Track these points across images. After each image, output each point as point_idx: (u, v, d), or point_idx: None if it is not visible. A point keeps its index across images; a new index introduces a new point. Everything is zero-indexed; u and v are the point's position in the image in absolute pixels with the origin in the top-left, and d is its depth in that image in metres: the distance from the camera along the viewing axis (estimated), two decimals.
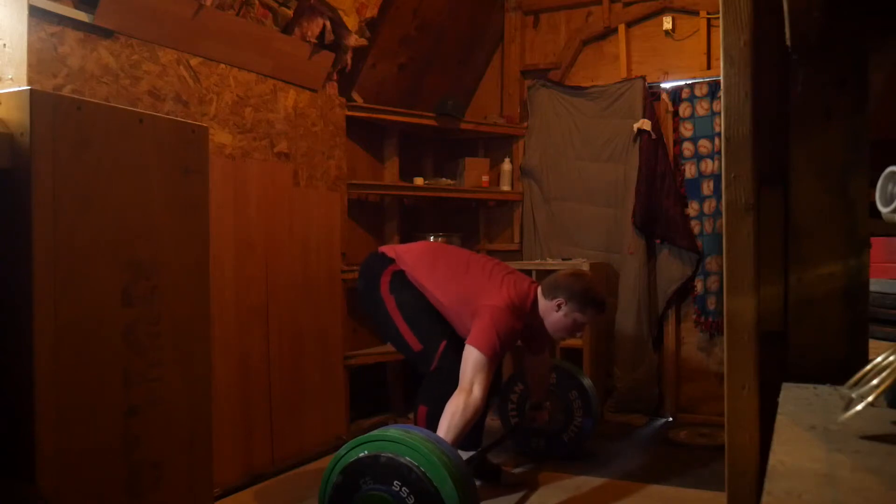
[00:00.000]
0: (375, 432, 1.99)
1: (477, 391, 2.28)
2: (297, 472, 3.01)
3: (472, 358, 2.33)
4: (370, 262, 2.72)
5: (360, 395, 3.61)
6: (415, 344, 2.55)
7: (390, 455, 1.90)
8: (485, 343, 2.35)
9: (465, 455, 2.83)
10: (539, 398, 3.05)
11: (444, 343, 2.50)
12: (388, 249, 2.72)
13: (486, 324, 2.39)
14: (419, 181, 3.95)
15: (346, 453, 1.98)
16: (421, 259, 2.66)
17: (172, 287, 1.62)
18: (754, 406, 1.15)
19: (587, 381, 3.18)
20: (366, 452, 1.93)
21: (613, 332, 3.93)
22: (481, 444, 2.85)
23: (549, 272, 3.71)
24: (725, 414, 1.18)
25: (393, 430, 1.99)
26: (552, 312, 2.57)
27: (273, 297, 2.99)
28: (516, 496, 2.71)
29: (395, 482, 1.88)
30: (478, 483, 2.78)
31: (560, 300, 2.55)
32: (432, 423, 2.40)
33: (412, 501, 1.86)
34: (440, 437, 2.10)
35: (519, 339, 2.66)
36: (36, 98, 1.35)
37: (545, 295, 2.59)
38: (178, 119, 1.76)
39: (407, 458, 1.88)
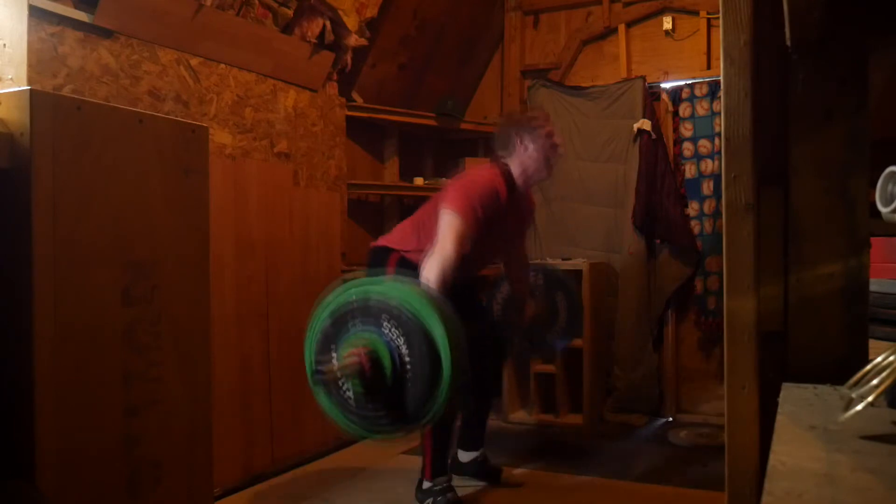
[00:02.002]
0: (363, 279, 1.92)
1: (448, 247, 2.24)
2: (297, 472, 3.01)
3: (445, 220, 2.29)
4: (372, 258, 2.70)
5: None
6: None
7: (379, 298, 1.82)
8: (457, 204, 2.30)
9: (467, 456, 2.83)
10: (521, 296, 2.99)
11: None
12: (383, 240, 2.70)
13: (457, 192, 2.36)
14: (419, 181, 3.95)
15: (334, 299, 1.90)
16: (404, 231, 2.62)
17: (172, 287, 1.62)
18: (754, 406, 1.15)
19: (571, 283, 3.19)
20: (354, 297, 1.85)
21: (613, 332, 3.93)
22: (483, 445, 2.85)
23: (549, 272, 3.72)
24: (725, 414, 1.17)
25: (381, 278, 1.94)
26: (523, 156, 2.53)
27: (273, 297, 2.99)
28: (516, 496, 2.71)
29: (385, 323, 1.79)
30: (478, 483, 2.79)
31: (516, 143, 2.53)
32: (439, 434, 2.44)
33: (402, 341, 1.78)
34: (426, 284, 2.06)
35: (496, 208, 2.51)
36: (36, 98, 1.35)
37: (504, 156, 2.57)
38: (178, 119, 1.76)
39: (395, 300, 1.80)
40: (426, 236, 2.45)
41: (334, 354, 1.80)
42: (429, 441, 2.54)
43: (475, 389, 2.69)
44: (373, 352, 1.74)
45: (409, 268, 2.54)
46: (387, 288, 1.84)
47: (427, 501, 2.53)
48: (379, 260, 2.62)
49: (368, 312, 1.81)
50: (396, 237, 2.63)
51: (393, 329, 1.78)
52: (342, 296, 1.87)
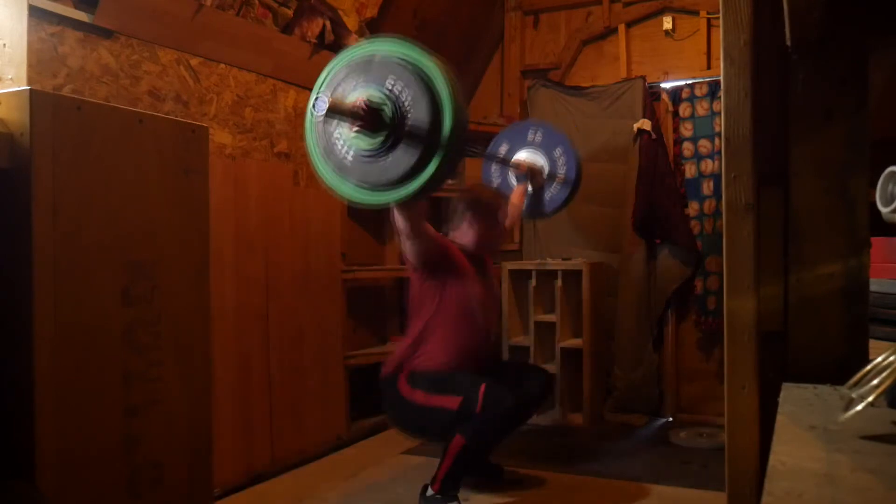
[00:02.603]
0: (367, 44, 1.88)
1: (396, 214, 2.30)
2: (297, 472, 3.01)
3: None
4: (384, 388, 2.67)
5: (360, 395, 3.61)
6: (452, 402, 2.45)
7: (383, 56, 1.79)
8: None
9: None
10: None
11: (483, 385, 2.43)
12: (387, 366, 2.68)
13: None
14: None
15: (338, 61, 1.88)
16: (401, 344, 2.69)
17: (172, 287, 1.62)
18: (754, 406, 1.15)
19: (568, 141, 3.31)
20: (357, 55, 1.83)
21: (613, 332, 3.93)
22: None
23: (550, 272, 3.73)
24: (725, 414, 1.18)
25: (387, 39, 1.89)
26: (468, 232, 2.74)
27: (273, 297, 2.99)
28: (516, 496, 2.71)
29: (388, 80, 1.77)
30: (478, 483, 2.78)
31: (465, 220, 2.74)
32: (464, 457, 2.42)
33: (404, 94, 1.75)
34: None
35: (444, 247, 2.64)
36: (36, 98, 1.35)
37: (454, 229, 2.78)
38: (178, 119, 1.76)
39: (400, 56, 1.78)
40: (416, 314, 2.62)
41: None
42: (453, 457, 2.45)
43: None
44: (369, 100, 1.73)
45: (416, 376, 2.57)
46: (393, 47, 1.81)
47: None
48: (390, 385, 2.62)
49: (370, 71, 1.79)
50: (400, 355, 2.65)
51: (396, 83, 1.76)
52: (345, 57, 1.86)
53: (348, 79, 1.81)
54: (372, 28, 3.44)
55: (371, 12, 3.39)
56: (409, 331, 2.69)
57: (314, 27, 3.15)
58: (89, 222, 1.44)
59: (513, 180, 3.34)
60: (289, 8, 3.00)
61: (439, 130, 1.74)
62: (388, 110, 1.74)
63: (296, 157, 3.19)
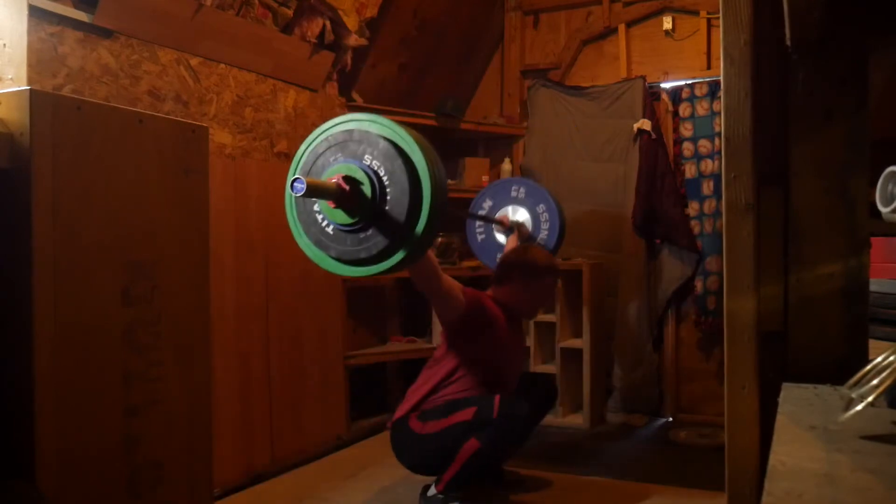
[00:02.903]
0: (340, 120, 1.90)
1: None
2: (297, 472, 3.01)
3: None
4: (395, 432, 2.58)
5: (360, 395, 3.61)
6: (466, 415, 2.41)
7: (360, 132, 1.80)
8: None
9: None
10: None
11: (498, 396, 2.40)
12: (399, 411, 2.60)
13: None
14: None
15: (315, 137, 1.90)
16: (416, 389, 2.60)
17: (172, 287, 1.62)
18: (754, 406, 1.15)
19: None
20: (333, 133, 1.85)
21: (613, 332, 3.93)
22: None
23: None
24: (725, 414, 1.18)
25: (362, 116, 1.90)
26: (520, 295, 2.65)
27: (273, 296, 2.99)
28: (516, 496, 2.71)
29: (366, 155, 1.78)
30: (479, 484, 2.78)
31: (516, 281, 2.64)
32: (475, 462, 2.38)
33: (381, 168, 1.76)
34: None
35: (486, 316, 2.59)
36: (36, 98, 1.35)
37: (499, 285, 2.67)
38: (178, 119, 1.76)
39: (375, 131, 1.79)
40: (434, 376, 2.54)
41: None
42: (463, 461, 2.40)
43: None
44: (348, 177, 1.74)
45: (426, 413, 2.50)
46: (368, 123, 1.82)
47: None
48: (402, 429, 2.53)
49: (348, 148, 1.80)
50: (411, 401, 2.56)
51: (374, 159, 1.77)
52: (322, 133, 1.87)
53: (327, 153, 1.83)
54: (372, 28, 3.44)
55: (371, 12, 3.39)
56: (429, 377, 2.57)
57: (314, 27, 3.15)
58: (89, 222, 1.44)
59: (498, 235, 3.37)
60: (289, 8, 3.00)
61: (419, 205, 1.75)
62: (366, 189, 1.75)
63: None
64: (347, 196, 1.73)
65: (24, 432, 1.33)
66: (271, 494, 2.76)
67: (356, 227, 1.77)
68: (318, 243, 1.85)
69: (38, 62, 2.13)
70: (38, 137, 1.34)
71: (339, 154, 1.81)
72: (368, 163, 1.76)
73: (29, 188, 1.33)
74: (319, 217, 1.83)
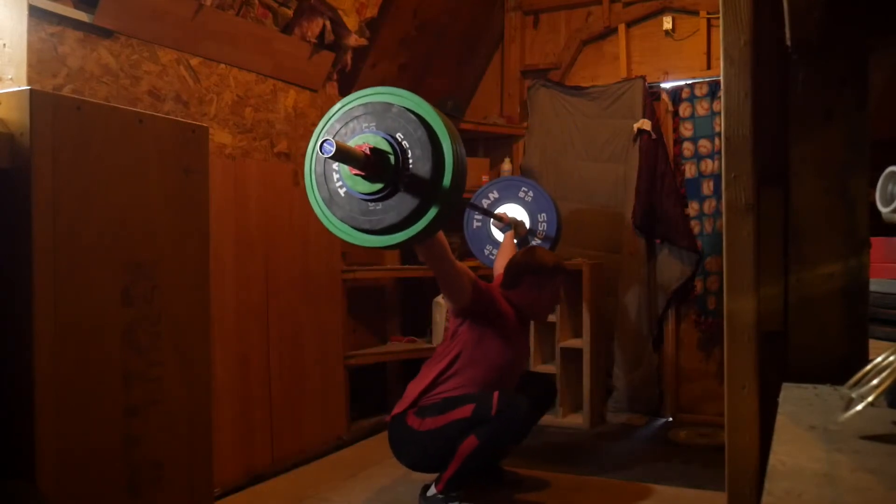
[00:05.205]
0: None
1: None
2: (297, 472, 3.01)
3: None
4: (393, 428, 2.57)
5: (360, 395, 3.61)
6: (465, 412, 2.40)
7: (397, 107, 1.83)
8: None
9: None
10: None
11: (496, 393, 2.41)
12: (398, 406, 2.60)
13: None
14: None
15: (345, 104, 1.93)
16: (415, 384, 2.59)
17: (172, 287, 1.62)
18: (754, 406, 1.15)
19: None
20: (366, 102, 1.88)
21: (613, 332, 3.93)
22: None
23: None
24: (725, 414, 1.18)
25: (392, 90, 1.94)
26: (534, 294, 2.67)
27: (273, 296, 2.99)
28: (517, 496, 2.71)
29: (397, 131, 1.82)
30: (479, 484, 2.78)
31: (530, 282, 2.67)
32: (474, 459, 2.38)
33: (407, 143, 1.80)
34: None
35: (495, 307, 2.62)
36: (36, 98, 1.35)
37: (511, 288, 2.69)
38: (178, 119, 1.76)
39: (409, 105, 1.84)
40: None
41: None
42: (463, 458, 2.40)
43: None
44: (374, 147, 1.78)
45: (424, 408, 2.49)
46: (399, 97, 1.86)
47: None
48: (400, 424, 2.52)
49: (380, 118, 1.84)
50: (411, 393, 2.56)
51: (401, 134, 1.81)
52: (353, 101, 1.90)
53: (360, 119, 1.86)
54: (372, 28, 3.44)
55: (371, 12, 3.39)
56: (429, 371, 2.57)
57: (314, 27, 3.15)
58: (89, 222, 1.44)
59: (493, 230, 3.42)
60: (289, 8, 3.00)
61: (441, 162, 1.79)
62: (391, 160, 1.79)
63: (296, 157, 3.19)
64: (371, 165, 1.77)
65: (24, 432, 1.33)
66: (271, 494, 2.76)
67: (381, 195, 1.81)
68: (348, 218, 1.88)
69: (38, 62, 2.13)
70: (38, 137, 1.34)
71: (373, 122, 1.85)
72: (400, 139, 1.81)
73: (29, 188, 1.33)
74: (343, 192, 1.87)
